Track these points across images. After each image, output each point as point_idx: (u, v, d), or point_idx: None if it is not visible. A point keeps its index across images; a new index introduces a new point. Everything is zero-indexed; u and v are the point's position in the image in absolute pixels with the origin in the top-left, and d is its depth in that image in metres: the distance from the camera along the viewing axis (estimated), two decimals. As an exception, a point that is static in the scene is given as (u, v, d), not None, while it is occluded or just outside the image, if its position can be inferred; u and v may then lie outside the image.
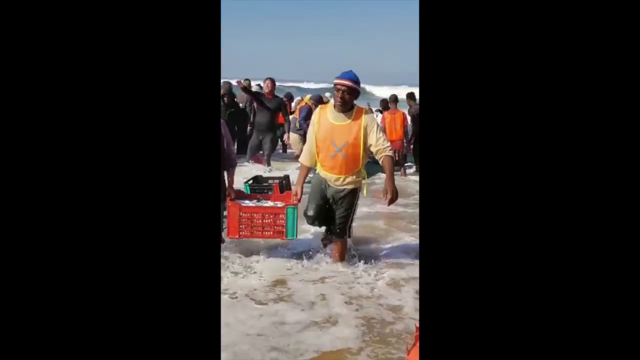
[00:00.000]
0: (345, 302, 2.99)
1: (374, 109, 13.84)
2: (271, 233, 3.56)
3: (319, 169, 3.49)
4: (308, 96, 8.93)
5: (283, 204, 3.58)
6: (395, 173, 7.92)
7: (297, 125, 7.78)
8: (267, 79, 7.20)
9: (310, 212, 3.50)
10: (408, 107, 8.30)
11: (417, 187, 6.94)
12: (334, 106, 3.37)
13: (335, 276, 3.39)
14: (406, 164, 8.14)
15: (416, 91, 8.47)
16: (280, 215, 3.52)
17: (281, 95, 9.27)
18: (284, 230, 3.53)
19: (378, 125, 3.38)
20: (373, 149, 3.34)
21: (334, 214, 3.51)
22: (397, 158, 7.77)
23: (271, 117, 7.01)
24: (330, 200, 3.48)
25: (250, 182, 4.08)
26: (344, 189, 3.43)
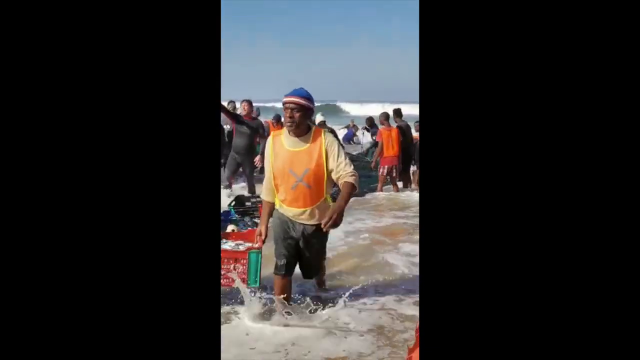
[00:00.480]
0: (356, 314, 3.05)
1: (360, 127, 14.02)
2: (229, 281, 3.03)
3: (278, 205, 3.02)
4: None
5: (245, 247, 3.18)
6: (387, 186, 7.97)
7: None
8: (243, 100, 6.92)
9: (282, 263, 3.02)
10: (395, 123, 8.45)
11: (411, 200, 7.13)
12: (288, 131, 2.89)
13: (343, 292, 3.39)
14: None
15: (389, 107, 8.70)
16: (242, 261, 3.07)
17: (270, 117, 9.23)
18: (246, 277, 3.07)
19: (340, 147, 2.91)
20: (334, 175, 2.86)
21: (305, 254, 3.06)
22: (394, 174, 7.90)
23: (250, 140, 6.60)
24: (300, 241, 3.01)
25: (234, 203, 4.02)
26: (313, 224, 2.95)
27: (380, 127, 8.23)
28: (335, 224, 2.67)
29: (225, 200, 5.31)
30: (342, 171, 2.81)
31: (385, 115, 8.15)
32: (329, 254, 4.05)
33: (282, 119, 11.01)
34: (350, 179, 2.80)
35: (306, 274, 3.19)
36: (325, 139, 2.85)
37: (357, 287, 3.44)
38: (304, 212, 2.91)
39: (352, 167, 2.85)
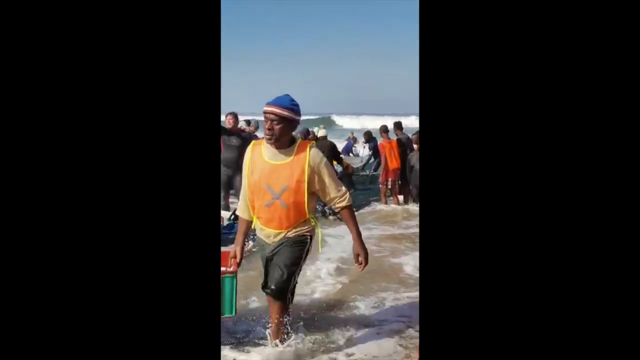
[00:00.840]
0: (370, 319, 3.15)
1: (360, 140, 14.14)
2: None
3: (255, 223, 2.67)
4: None
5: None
6: (389, 198, 8.02)
7: None
8: (228, 114, 6.45)
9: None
10: (395, 136, 8.55)
11: (411, 211, 7.26)
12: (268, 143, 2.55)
13: (357, 301, 3.50)
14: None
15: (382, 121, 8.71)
16: None
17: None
18: (220, 306, 2.65)
19: (329, 166, 2.59)
20: (324, 198, 2.58)
21: (274, 260, 2.61)
22: (396, 187, 7.85)
23: (239, 154, 5.83)
24: (274, 254, 2.63)
25: (233, 217, 3.97)
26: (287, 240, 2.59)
27: (380, 140, 8.30)
28: (368, 261, 2.59)
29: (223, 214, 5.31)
30: (335, 193, 2.56)
31: (384, 128, 8.21)
32: (340, 264, 4.22)
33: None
34: (349, 202, 2.59)
35: (271, 283, 2.56)
36: (311, 155, 2.50)
37: (371, 295, 3.57)
38: (278, 234, 2.58)
39: (342, 185, 2.63)
